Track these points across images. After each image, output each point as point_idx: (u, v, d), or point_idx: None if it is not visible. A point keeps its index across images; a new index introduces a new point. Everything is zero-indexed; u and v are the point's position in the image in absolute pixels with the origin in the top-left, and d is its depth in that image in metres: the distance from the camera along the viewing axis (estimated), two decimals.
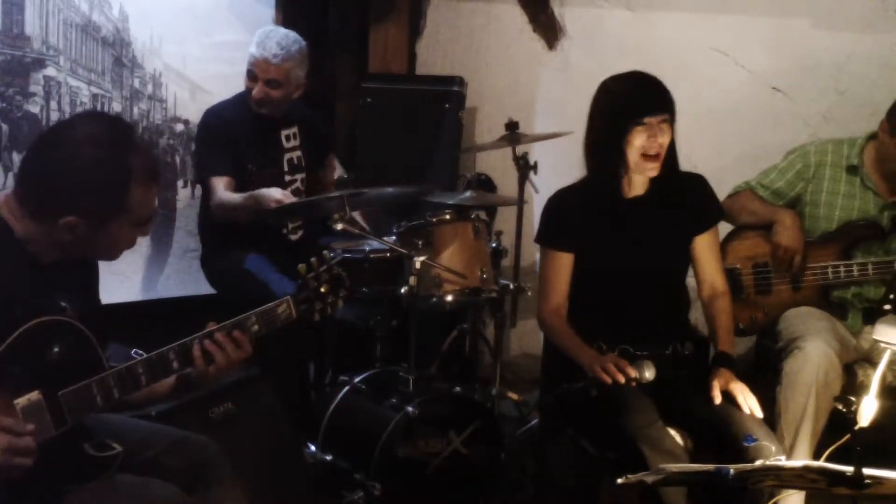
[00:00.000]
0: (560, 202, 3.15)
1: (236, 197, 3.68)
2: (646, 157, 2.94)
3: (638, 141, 2.92)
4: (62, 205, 2.11)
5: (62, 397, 2.06)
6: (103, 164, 2.11)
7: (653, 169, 2.97)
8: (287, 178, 3.94)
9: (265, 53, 3.75)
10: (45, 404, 2.04)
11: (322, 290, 2.43)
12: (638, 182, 3.04)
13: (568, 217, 3.10)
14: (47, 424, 2.04)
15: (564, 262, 3.09)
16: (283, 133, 3.96)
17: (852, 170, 3.53)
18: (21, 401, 2.00)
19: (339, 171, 3.91)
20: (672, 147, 2.99)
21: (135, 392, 2.20)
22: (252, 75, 3.79)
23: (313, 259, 2.44)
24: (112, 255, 2.29)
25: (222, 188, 3.71)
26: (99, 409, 2.14)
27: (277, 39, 3.77)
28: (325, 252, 2.48)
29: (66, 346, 2.08)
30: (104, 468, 2.13)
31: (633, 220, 3.06)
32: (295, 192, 3.88)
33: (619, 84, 3.01)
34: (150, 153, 2.27)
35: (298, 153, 4.00)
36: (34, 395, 2.02)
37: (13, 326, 2.01)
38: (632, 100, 2.95)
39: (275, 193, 3.55)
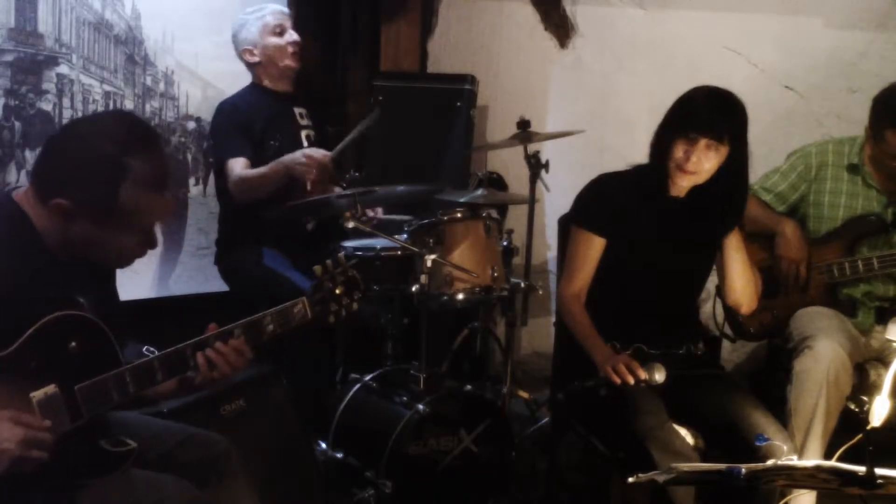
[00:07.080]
0: (605, 186, 3.13)
1: (260, 169, 3.72)
2: (681, 169, 2.94)
3: (677, 153, 2.92)
4: (53, 186, 2.12)
5: (79, 391, 2.08)
6: (96, 155, 2.12)
7: (682, 180, 2.96)
8: None
9: (277, 8, 3.98)
10: (62, 398, 2.05)
11: (337, 291, 2.44)
12: (682, 185, 3.02)
13: (610, 201, 3.09)
14: (63, 418, 2.05)
15: (596, 246, 3.07)
16: (296, 110, 4.01)
17: (853, 169, 3.52)
18: (37, 394, 2.02)
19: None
20: (733, 165, 2.98)
21: (150, 388, 2.21)
22: (279, 30, 3.92)
23: (328, 261, 2.44)
24: (119, 261, 2.29)
25: (240, 168, 3.75)
26: (115, 404, 2.15)
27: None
28: (340, 254, 2.49)
29: (82, 340, 2.09)
30: (119, 463, 2.15)
31: (671, 219, 3.04)
32: None
33: (690, 92, 2.98)
34: (160, 162, 2.21)
35: (311, 132, 4.04)
36: (50, 388, 2.04)
37: (31, 321, 2.02)
38: (682, 111, 2.94)
39: (305, 152, 3.66)
